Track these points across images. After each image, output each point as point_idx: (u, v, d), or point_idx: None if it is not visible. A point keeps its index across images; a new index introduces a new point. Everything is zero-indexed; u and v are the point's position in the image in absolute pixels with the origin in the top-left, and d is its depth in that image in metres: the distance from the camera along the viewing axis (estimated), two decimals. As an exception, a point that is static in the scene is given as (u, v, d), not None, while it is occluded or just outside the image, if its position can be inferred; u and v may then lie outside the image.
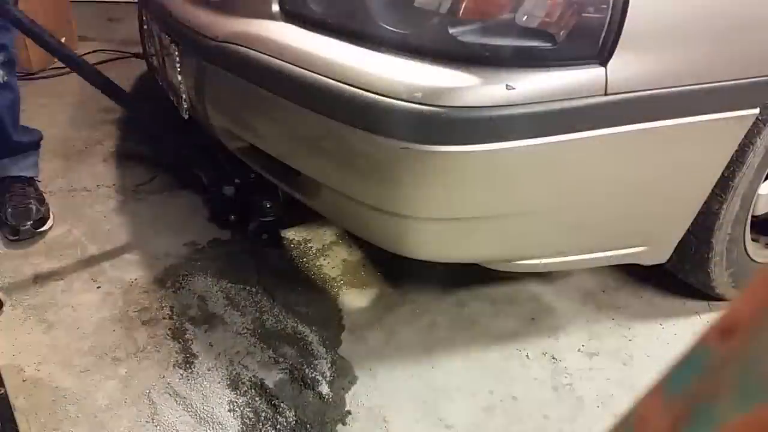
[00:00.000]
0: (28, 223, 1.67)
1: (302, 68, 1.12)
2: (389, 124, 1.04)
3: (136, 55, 2.80)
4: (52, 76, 2.65)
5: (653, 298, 1.54)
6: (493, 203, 1.14)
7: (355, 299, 1.52)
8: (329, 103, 1.09)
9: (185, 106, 1.53)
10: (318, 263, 1.63)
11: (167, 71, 1.59)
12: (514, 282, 1.58)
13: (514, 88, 0.99)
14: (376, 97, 1.03)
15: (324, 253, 1.66)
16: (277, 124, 1.26)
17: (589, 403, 1.27)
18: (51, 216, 1.74)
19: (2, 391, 1.22)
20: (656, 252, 1.37)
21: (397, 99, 1.01)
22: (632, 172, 1.17)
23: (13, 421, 1.18)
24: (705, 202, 1.29)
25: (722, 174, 1.25)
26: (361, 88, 1.04)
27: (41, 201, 1.74)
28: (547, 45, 1.00)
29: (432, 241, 1.20)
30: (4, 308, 1.46)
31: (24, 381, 1.29)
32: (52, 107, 2.41)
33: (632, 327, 1.46)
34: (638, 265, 1.61)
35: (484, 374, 1.33)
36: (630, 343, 1.42)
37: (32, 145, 1.81)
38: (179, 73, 1.48)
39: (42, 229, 1.70)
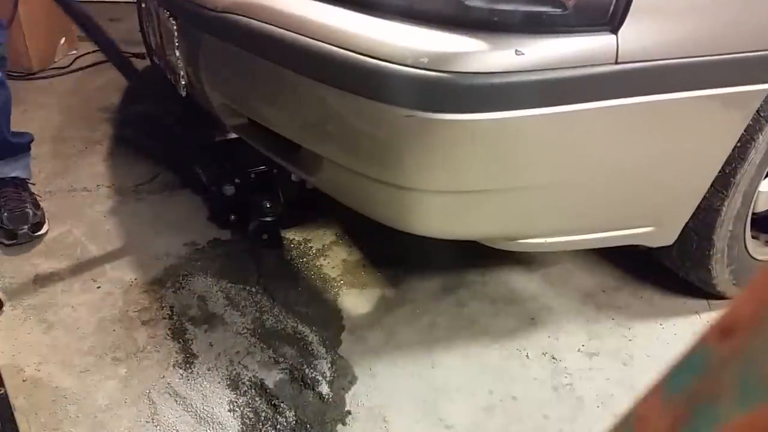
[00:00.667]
0: (25, 227, 1.66)
1: (304, 36, 1.09)
2: (394, 90, 1.01)
3: (136, 55, 2.79)
4: (52, 76, 2.65)
5: (653, 298, 1.54)
6: (499, 176, 1.11)
7: (355, 299, 1.52)
8: (333, 71, 1.06)
9: (183, 83, 1.51)
10: (318, 263, 1.63)
11: (165, 49, 1.56)
12: (514, 282, 1.58)
13: (523, 54, 0.97)
14: (381, 63, 1.00)
15: (324, 253, 1.66)
16: (278, 96, 1.23)
17: (589, 403, 1.27)
18: (46, 221, 1.73)
19: (2, 391, 1.22)
20: (663, 233, 1.34)
21: (403, 65, 0.99)
22: (642, 146, 1.14)
23: (13, 421, 1.18)
24: (707, 199, 1.29)
25: (724, 170, 1.25)
26: (365, 55, 1.02)
27: (36, 205, 1.74)
28: (557, 10, 0.98)
29: (435, 216, 1.17)
30: (4, 308, 1.46)
31: (24, 381, 1.29)
32: (52, 107, 2.41)
33: (632, 327, 1.46)
34: (638, 263, 1.61)
35: (484, 374, 1.33)
36: (630, 343, 1.42)
37: (25, 146, 1.80)
38: (177, 49, 1.46)
39: (38, 233, 1.69)
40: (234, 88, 1.36)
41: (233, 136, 1.80)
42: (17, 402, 1.23)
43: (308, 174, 1.31)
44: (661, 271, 1.55)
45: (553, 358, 1.37)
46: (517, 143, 1.06)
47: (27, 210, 1.69)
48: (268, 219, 1.65)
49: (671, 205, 1.30)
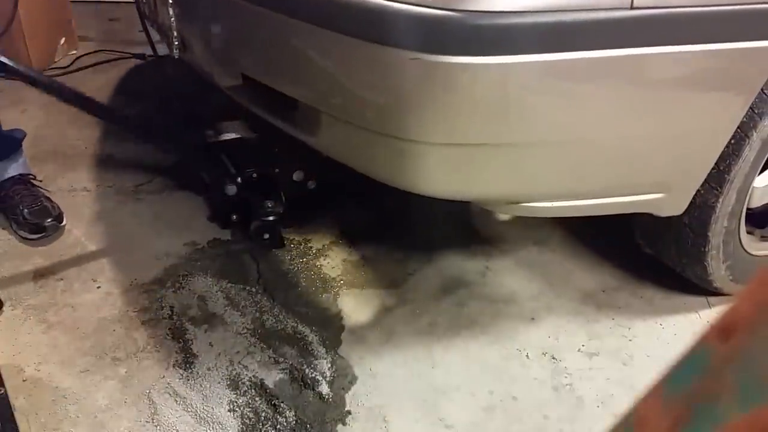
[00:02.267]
0: (49, 219, 1.68)
1: None
2: (397, 32, 0.97)
3: (137, 56, 2.79)
4: (53, 76, 2.65)
5: (653, 298, 1.54)
6: (505, 128, 1.06)
7: (355, 299, 1.52)
8: (331, 13, 1.02)
9: (176, 44, 1.48)
10: (318, 263, 1.63)
11: (158, 10, 1.53)
12: (514, 282, 1.58)
13: None
14: (383, 2, 0.96)
15: (324, 253, 1.66)
16: (274, 45, 1.19)
17: (589, 403, 1.27)
18: (63, 211, 1.75)
19: (2, 391, 1.22)
20: (673, 201, 1.28)
21: (407, 3, 0.95)
22: (655, 101, 1.09)
23: (13, 421, 1.18)
24: (701, 195, 1.27)
25: (718, 167, 1.23)
26: None
27: (49, 199, 1.76)
28: None
29: (438, 172, 1.12)
30: (4, 308, 1.46)
31: (24, 381, 1.29)
32: (52, 107, 2.41)
33: (632, 327, 1.46)
34: (638, 263, 1.61)
35: (483, 374, 1.33)
36: (630, 343, 1.42)
37: (19, 143, 1.82)
38: (171, 7, 1.43)
39: (63, 224, 1.72)
40: (229, 42, 1.32)
41: (234, 135, 1.80)
42: (17, 402, 1.23)
43: (306, 133, 1.26)
44: (661, 271, 1.55)
45: (553, 358, 1.37)
46: (524, 91, 1.02)
47: (45, 204, 1.72)
48: (270, 219, 1.64)
49: (682, 169, 1.24)
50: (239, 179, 1.65)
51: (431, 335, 1.42)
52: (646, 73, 1.06)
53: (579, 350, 1.40)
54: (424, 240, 1.71)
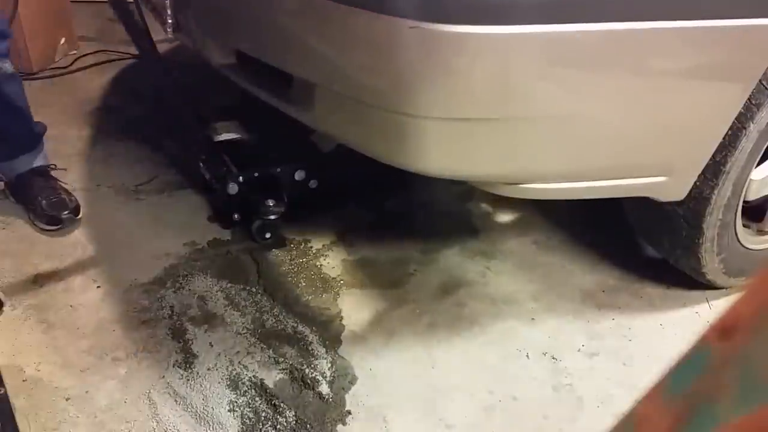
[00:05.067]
0: (66, 212, 1.71)
1: None
2: None
3: (136, 57, 2.79)
4: (52, 76, 2.65)
5: (653, 298, 1.54)
6: (505, 101, 1.03)
7: (355, 299, 1.52)
8: None
9: (170, 22, 1.46)
10: (318, 263, 1.63)
11: None
12: (514, 282, 1.58)
13: None
14: None
15: (324, 253, 1.66)
16: (270, 17, 1.17)
17: (589, 403, 1.27)
18: (79, 204, 1.76)
19: (2, 391, 1.22)
20: (674, 185, 1.26)
21: None
22: (659, 78, 1.08)
23: (13, 421, 1.18)
24: (696, 187, 1.27)
25: (714, 158, 1.22)
26: None
27: (67, 191, 1.79)
28: None
29: (435, 148, 1.09)
30: (4, 308, 1.46)
31: (24, 381, 1.29)
32: (52, 107, 2.41)
33: (632, 327, 1.46)
34: (638, 263, 1.61)
35: (483, 374, 1.33)
36: (630, 343, 1.42)
37: (41, 136, 1.84)
38: None
39: (79, 217, 1.74)
40: (222, 18, 1.30)
41: (234, 135, 1.80)
42: (17, 402, 1.23)
43: (301, 111, 1.24)
44: (661, 271, 1.55)
45: (553, 358, 1.37)
46: (525, 63, 1.00)
47: (63, 196, 1.74)
48: (272, 218, 1.64)
49: (684, 151, 1.22)
50: (241, 178, 1.65)
51: (431, 335, 1.42)
52: (651, 48, 1.04)
53: (579, 350, 1.40)
54: (424, 240, 1.71)
